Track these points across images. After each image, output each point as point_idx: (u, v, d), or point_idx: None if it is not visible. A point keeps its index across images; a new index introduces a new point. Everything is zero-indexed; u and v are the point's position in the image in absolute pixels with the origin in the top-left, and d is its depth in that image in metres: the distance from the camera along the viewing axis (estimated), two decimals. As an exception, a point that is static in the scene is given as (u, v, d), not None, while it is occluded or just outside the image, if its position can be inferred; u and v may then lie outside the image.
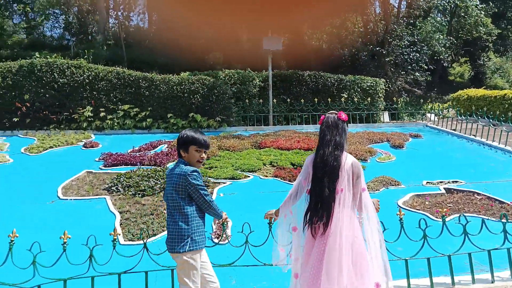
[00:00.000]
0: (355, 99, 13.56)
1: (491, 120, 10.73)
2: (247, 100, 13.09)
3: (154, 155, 8.19)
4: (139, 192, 6.14)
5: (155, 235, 4.97)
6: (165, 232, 4.85)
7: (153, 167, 7.43)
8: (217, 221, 4.99)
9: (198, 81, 11.79)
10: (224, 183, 6.68)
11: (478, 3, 20.20)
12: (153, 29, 26.80)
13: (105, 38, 22.38)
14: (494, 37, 24.77)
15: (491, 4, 21.77)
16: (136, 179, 6.47)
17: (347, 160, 2.73)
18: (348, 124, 2.98)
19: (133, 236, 4.91)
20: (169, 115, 11.42)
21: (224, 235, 3.87)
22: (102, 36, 22.56)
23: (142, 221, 5.29)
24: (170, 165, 7.67)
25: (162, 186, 6.25)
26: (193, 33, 26.23)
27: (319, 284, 2.57)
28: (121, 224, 5.24)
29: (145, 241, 3.71)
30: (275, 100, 13.17)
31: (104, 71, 11.60)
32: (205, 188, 2.90)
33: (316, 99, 12.97)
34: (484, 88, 16.36)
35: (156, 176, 6.62)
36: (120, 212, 5.55)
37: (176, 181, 2.78)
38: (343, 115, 2.84)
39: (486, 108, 12.23)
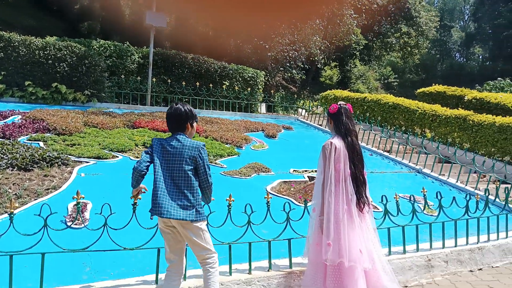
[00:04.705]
0: (236, 88, 13.75)
1: (351, 119, 11.97)
2: (123, 76, 12.13)
3: (3, 126, 6.98)
4: (-23, 168, 5.14)
5: (-7, 217, 4.21)
6: (6, 215, 4.17)
7: (0, 139, 6.33)
8: (73, 204, 4.50)
9: (66, 48, 10.42)
10: (87, 162, 6.02)
11: (352, 12, 22.31)
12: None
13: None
14: (361, 47, 27.78)
15: (363, 15, 24.29)
16: (-26, 152, 5.41)
17: None
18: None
19: (-38, 218, 4.07)
20: (27, 83, 9.88)
21: (79, 218, 3.44)
22: None
23: (-22, 201, 4.43)
24: (22, 139, 6.63)
25: (9, 162, 5.34)
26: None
27: (360, 253, 3.17)
28: None
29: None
30: (154, 79, 12.50)
31: None
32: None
33: (198, 83, 12.74)
34: (349, 91, 18.20)
35: (3, 150, 5.64)
36: None
37: (189, 154, 2.84)
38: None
39: (348, 108, 13.58)
